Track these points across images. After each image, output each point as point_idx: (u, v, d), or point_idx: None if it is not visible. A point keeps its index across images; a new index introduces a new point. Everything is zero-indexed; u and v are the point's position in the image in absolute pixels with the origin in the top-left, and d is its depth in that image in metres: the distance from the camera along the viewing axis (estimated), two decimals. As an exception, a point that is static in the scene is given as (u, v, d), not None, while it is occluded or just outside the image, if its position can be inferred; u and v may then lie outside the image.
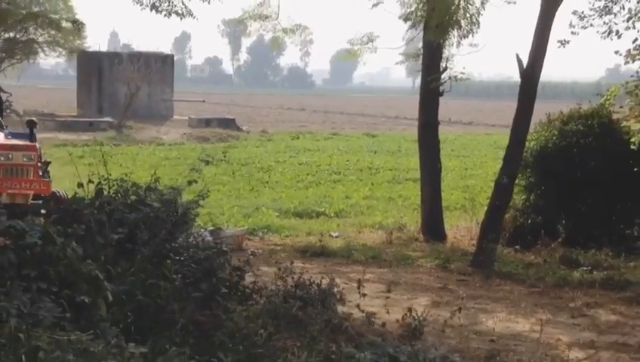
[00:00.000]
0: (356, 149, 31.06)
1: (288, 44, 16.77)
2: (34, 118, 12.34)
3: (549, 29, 11.37)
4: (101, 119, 34.00)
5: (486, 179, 22.82)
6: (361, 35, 16.11)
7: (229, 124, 37.84)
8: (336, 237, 14.46)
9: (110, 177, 7.47)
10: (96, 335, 4.48)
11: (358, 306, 7.10)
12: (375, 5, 14.94)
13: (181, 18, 11.98)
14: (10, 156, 10.49)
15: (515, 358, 6.89)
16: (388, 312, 8.03)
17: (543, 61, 11.38)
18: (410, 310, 7.80)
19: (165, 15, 11.66)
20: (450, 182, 21.55)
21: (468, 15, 11.85)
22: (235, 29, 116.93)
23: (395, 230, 14.76)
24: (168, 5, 11.71)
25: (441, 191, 15.26)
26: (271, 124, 44.19)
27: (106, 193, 7.38)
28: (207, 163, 7.51)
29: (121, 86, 38.61)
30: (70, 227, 5.73)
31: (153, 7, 11.65)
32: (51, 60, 38.26)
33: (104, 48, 65.98)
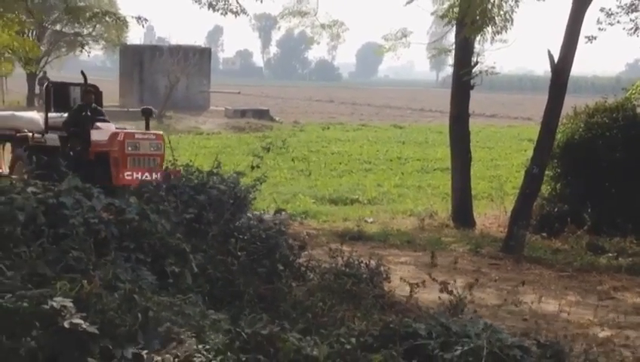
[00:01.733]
0: (385, 140, 31.66)
1: (325, 39, 17.47)
2: (150, 107, 12.61)
3: (580, 25, 11.93)
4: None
5: (511, 169, 23.40)
6: (395, 30, 16.81)
7: (263, 114, 38.77)
8: (371, 222, 15.13)
9: (176, 162, 8.19)
10: (185, 302, 5.18)
11: (407, 282, 7.69)
12: (409, 2, 15.60)
13: (236, 16, 12.72)
14: (138, 146, 10.74)
15: (549, 335, 7.49)
16: (426, 292, 8.68)
17: (573, 56, 11.94)
18: (446, 287, 8.42)
19: (222, 13, 12.41)
20: (477, 172, 22.09)
21: (502, 12, 12.43)
22: (265, 23, 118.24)
23: (427, 217, 15.41)
24: (224, 4, 12.45)
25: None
26: (301, 115, 44.88)
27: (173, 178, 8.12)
28: (268, 150, 8.19)
29: (161, 78, 39.61)
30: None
31: (210, 5, 12.40)
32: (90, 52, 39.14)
33: (141, 41, 67.22)
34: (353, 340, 5.29)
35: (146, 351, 3.83)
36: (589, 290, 10.17)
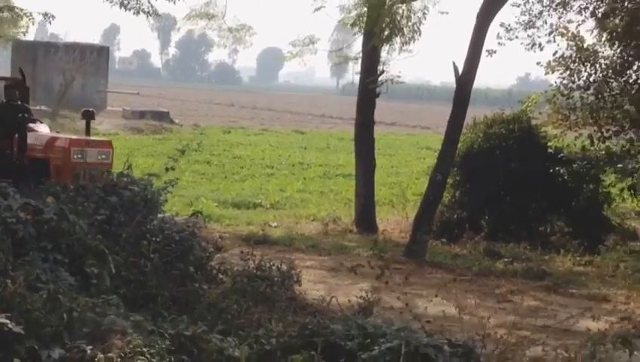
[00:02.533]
0: (287, 145, 31.85)
1: (232, 44, 17.46)
2: (92, 109, 11.50)
3: (483, 40, 12.42)
4: (36, 107, 33.83)
5: (411, 176, 24.02)
6: (303, 37, 16.96)
7: (162, 116, 38.15)
8: (276, 227, 15.24)
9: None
10: (106, 303, 5.14)
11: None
12: (317, 9, 15.81)
13: (147, 16, 12.54)
14: (84, 154, 9.70)
15: (452, 336, 7.73)
16: (333, 296, 8.85)
17: (476, 69, 12.42)
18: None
19: (134, 13, 12.20)
20: (379, 178, 22.42)
21: (410, 24, 12.79)
22: (164, 24, 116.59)
23: (330, 222, 15.65)
24: (136, 3, 12.25)
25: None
26: (201, 118, 44.52)
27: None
28: (183, 152, 8.14)
29: (56, 76, 38.46)
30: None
31: (122, 4, 12.17)
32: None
33: (33, 37, 64.90)
34: (273, 341, 5.38)
35: (76, 350, 3.80)
36: (488, 293, 10.59)
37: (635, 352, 5.34)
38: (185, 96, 69.65)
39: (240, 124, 41.89)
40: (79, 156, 9.76)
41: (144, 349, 4.09)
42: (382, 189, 20.77)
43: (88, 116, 10.58)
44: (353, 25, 14.27)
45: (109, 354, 3.76)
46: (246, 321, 6.10)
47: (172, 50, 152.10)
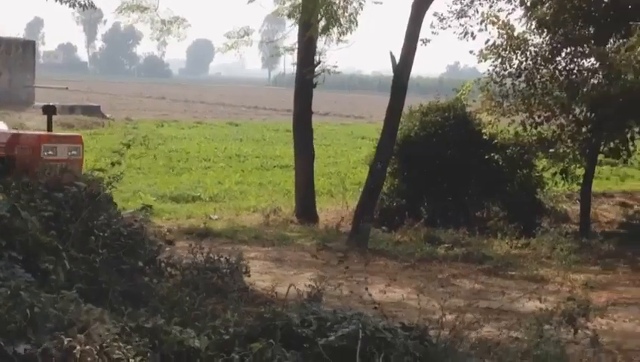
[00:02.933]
0: (222, 137, 31.69)
1: (168, 37, 17.27)
2: (53, 104, 10.75)
3: (419, 29, 12.62)
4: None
5: (348, 166, 24.22)
6: (238, 28, 16.91)
7: (93, 111, 37.41)
8: (217, 219, 15.21)
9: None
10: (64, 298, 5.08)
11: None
12: (251, 0, 15.80)
13: (84, 9, 12.30)
14: (55, 151, 9.28)
15: (400, 320, 7.88)
16: (278, 285, 8.93)
17: (413, 58, 12.61)
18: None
19: (70, 5, 11.95)
20: (316, 169, 22.64)
21: (347, 14, 12.90)
22: (90, 16, 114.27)
23: (271, 213, 15.68)
24: (73, -4, 11.99)
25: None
26: (133, 112, 43.84)
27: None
28: (128, 146, 8.05)
29: (-18, 71, 37.35)
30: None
31: (58, -3, 11.92)
32: None
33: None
34: (231, 331, 5.41)
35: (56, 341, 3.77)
36: (431, 278, 10.78)
37: (580, 330, 5.57)
38: (114, 90, 68.44)
39: (173, 118, 41.45)
40: (50, 153, 9.37)
41: (119, 342, 4.09)
42: (320, 179, 20.90)
43: (50, 111, 10.17)
44: (289, 16, 14.30)
45: (87, 347, 3.74)
46: (201, 313, 6.11)
47: (99, 44, 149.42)
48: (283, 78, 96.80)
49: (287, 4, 15.44)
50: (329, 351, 5.32)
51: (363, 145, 27.08)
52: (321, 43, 15.49)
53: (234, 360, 5.10)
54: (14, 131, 10.88)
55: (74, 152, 9.61)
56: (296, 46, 16.04)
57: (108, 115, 37.92)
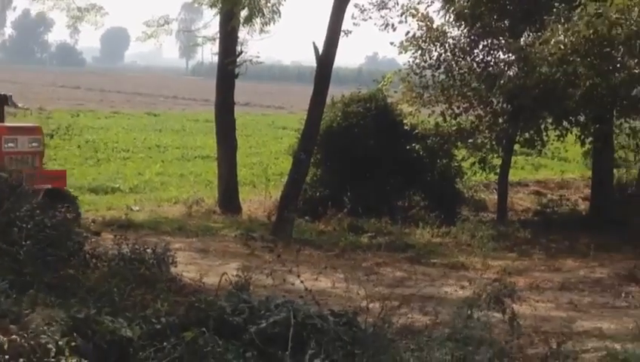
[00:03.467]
0: (140, 128, 31.20)
1: (82, 25, 16.90)
2: (5, 93, 10.23)
3: (342, 20, 12.73)
4: None
5: (270, 156, 24.21)
6: (158, 17, 16.69)
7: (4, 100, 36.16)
8: (138, 210, 15.01)
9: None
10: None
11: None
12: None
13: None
14: (16, 142, 8.86)
15: (328, 308, 7.96)
16: (204, 276, 8.92)
17: (336, 48, 12.72)
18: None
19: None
20: (238, 159, 22.60)
21: (269, 4, 12.92)
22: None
23: (194, 204, 15.57)
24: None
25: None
26: (46, 101, 42.51)
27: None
28: (52, 136, 7.88)
29: None
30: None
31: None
32: None
33: None
34: (163, 320, 5.39)
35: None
36: (356, 267, 10.96)
37: (507, 310, 5.79)
38: (25, 79, 66.33)
39: (89, 107, 40.53)
40: (11, 145, 9.02)
41: (45, 328, 4.03)
42: (242, 170, 20.84)
43: (1, 101, 9.72)
44: (212, 6, 14.19)
45: (12, 336, 3.67)
46: (131, 303, 6.06)
47: (8, 31, 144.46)
48: (201, 68, 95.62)
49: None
50: (261, 338, 5.37)
51: (284, 136, 27.12)
52: (242, 33, 15.44)
53: (166, 349, 5.10)
54: None
55: (34, 144, 9.30)
56: (218, 36, 15.94)
57: (20, 105, 36.71)
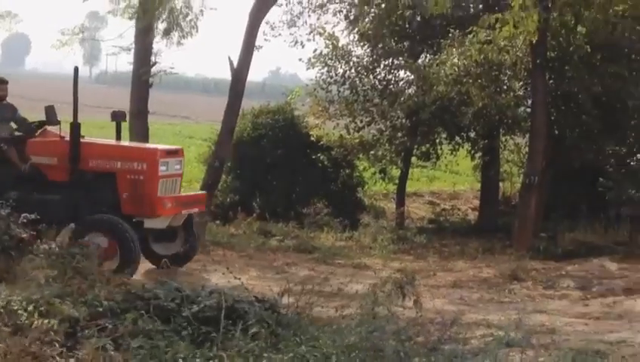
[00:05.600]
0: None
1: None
2: (123, 110, 10.33)
3: (255, 36, 13.53)
4: None
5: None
6: (74, 26, 16.98)
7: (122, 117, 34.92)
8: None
9: None
10: None
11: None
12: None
13: None
14: (168, 165, 9.00)
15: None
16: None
17: (250, 62, 13.49)
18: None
19: None
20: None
21: (188, 19, 13.56)
22: None
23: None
24: None
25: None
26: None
27: None
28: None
29: None
30: None
31: None
32: None
33: None
34: (105, 303, 6.06)
35: None
36: (267, 267, 11.72)
37: (408, 296, 6.69)
38: None
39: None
40: (164, 168, 9.33)
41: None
42: (152, 177, 21.28)
43: (120, 118, 10.00)
44: (131, 18, 14.66)
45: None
46: (70, 290, 6.63)
47: None
48: (106, 76, 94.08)
49: (122, 4, 15.77)
50: (195, 319, 6.08)
51: (192, 145, 27.54)
52: (157, 44, 15.96)
53: (109, 329, 5.76)
54: (113, 142, 10.34)
55: (177, 166, 9.47)
56: (133, 46, 16.39)
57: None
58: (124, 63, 16.09)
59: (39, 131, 10.21)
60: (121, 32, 17.51)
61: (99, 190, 9.48)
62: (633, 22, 13.74)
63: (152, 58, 16.07)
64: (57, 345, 5.09)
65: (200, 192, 10.24)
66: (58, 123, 9.56)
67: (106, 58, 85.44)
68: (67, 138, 9.69)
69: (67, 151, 9.52)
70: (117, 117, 10.36)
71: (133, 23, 15.49)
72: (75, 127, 9.49)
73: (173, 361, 5.09)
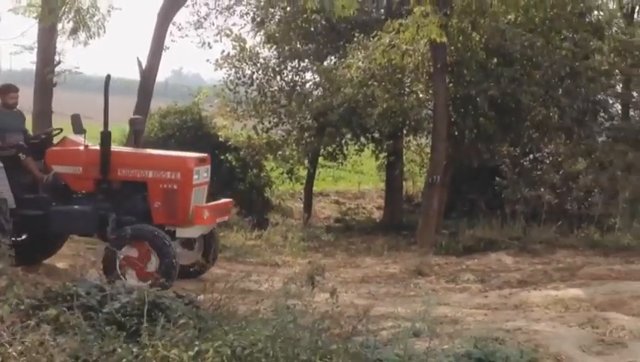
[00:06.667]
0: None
1: None
2: (139, 116, 10.09)
3: (164, 37, 13.63)
4: None
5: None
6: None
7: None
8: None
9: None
10: None
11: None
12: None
13: None
14: (200, 173, 8.80)
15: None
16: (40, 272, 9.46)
17: (159, 62, 13.59)
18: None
19: None
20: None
21: (95, 20, 13.50)
22: None
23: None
24: None
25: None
26: None
27: None
28: None
29: None
30: None
31: None
32: None
33: None
34: (27, 301, 6.13)
35: None
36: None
37: (317, 286, 7.02)
38: None
39: None
40: (196, 177, 9.26)
41: None
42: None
43: (138, 125, 9.96)
44: (37, 17, 14.45)
45: None
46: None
47: None
48: (4, 75, 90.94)
49: (24, 2, 15.51)
50: (113, 317, 6.21)
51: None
52: (61, 43, 15.77)
53: (31, 326, 5.83)
54: (143, 151, 10.01)
55: (205, 175, 9.33)
56: (36, 45, 16.13)
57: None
58: (23, 62, 15.76)
59: (57, 141, 9.94)
60: (23, 30, 17.23)
61: (128, 200, 9.33)
62: (521, 29, 14.55)
63: (57, 57, 15.92)
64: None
65: (227, 200, 10.18)
66: (84, 132, 9.20)
67: (3, 56, 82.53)
68: (91, 146, 9.44)
69: (93, 160, 9.27)
70: (136, 125, 10.36)
71: (35, 22, 15.33)
72: (106, 135, 9.22)
73: (104, 354, 5.22)
